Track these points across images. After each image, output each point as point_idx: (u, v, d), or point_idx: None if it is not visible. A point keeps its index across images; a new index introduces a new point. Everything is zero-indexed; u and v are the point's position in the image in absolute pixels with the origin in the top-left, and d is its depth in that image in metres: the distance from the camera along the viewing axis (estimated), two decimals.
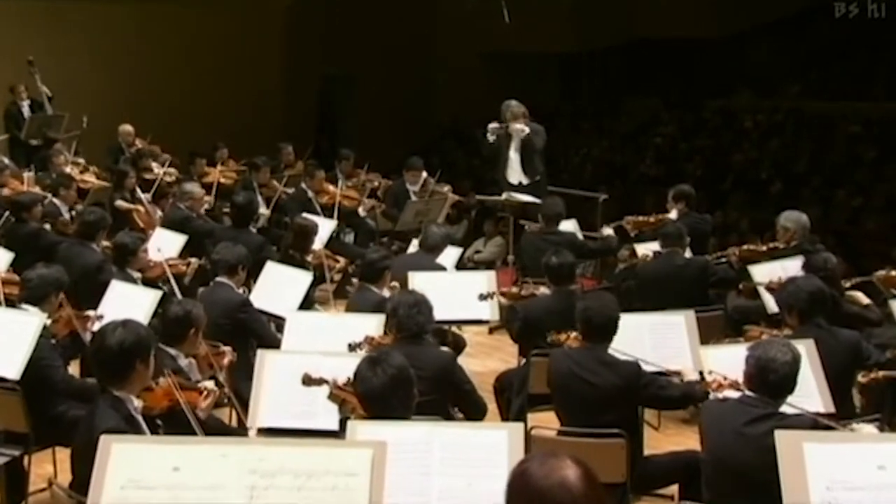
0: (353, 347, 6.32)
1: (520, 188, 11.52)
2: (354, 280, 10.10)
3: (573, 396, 5.90)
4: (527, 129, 11.47)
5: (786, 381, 4.92)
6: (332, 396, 5.09)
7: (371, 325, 6.68)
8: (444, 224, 12.92)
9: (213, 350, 6.19)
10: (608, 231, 10.22)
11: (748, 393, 5.00)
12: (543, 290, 7.70)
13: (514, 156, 11.65)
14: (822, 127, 19.51)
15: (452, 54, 22.78)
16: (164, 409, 5.02)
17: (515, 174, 11.65)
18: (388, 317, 6.24)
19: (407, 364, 4.68)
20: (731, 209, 16.13)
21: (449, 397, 6.07)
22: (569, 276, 7.54)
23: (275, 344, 7.10)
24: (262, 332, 7.52)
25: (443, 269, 8.90)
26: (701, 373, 6.01)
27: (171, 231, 9.84)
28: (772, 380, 4.89)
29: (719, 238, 12.82)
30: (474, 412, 6.19)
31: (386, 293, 7.73)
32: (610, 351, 5.91)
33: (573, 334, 6.39)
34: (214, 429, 5.51)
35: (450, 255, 9.86)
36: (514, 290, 7.94)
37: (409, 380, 4.64)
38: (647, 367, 5.93)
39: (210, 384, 5.44)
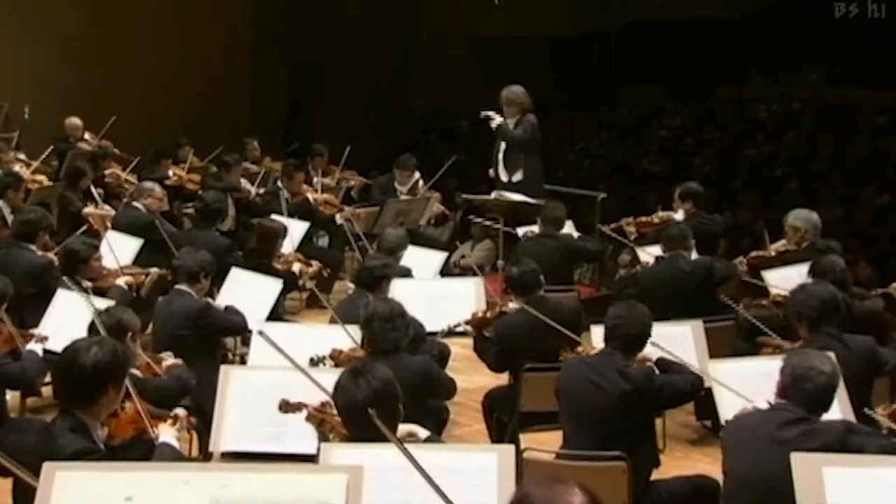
0: (315, 362, 6.31)
1: (508, 186, 11.51)
2: (349, 285, 10.07)
3: (584, 403, 5.97)
4: (497, 120, 11.55)
5: (822, 393, 4.98)
6: (309, 417, 5.08)
7: (349, 336, 6.67)
8: (428, 226, 12.93)
9: (153, 358, 6.18)
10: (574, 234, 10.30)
11: (780, 401, 5.04)
12: (512, 304, 7.63)
13: (500, 150, 11.67)
14: (843, 118, 19.54)
15: (437, 39, 22.78)
16: (127, 439, 4.95)
17: (502, 171, 11.67)
18: (360, 327, 6.28)
19: (393, 378, 4.69)
20: (743, 209, 16.16)
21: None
22: (535, 284, 7.51)
23: (244, 331, 7.37)
24: (231, 325, 7.66)
25: (408, 271, 8.89)
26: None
27: (129, 235, 9.75)
28: (808, 389, 4.94)
29: (730, 241, 12.84)
30: (447, 396, 6.69)
31: None
32: None
33: (585, 350, 6.52)
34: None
35: (434, 260, 9.86)
36: (479, 314, 7.77)
37: (394, 395, 4.65)
38: None
39: (180, 410, 5.39)
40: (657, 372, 6.08)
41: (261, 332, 5.41)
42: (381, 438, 4.47)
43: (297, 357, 6.22)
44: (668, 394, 6.03)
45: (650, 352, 6.19)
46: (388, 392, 4.62)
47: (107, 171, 12.49)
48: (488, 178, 12.02)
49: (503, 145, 11.62)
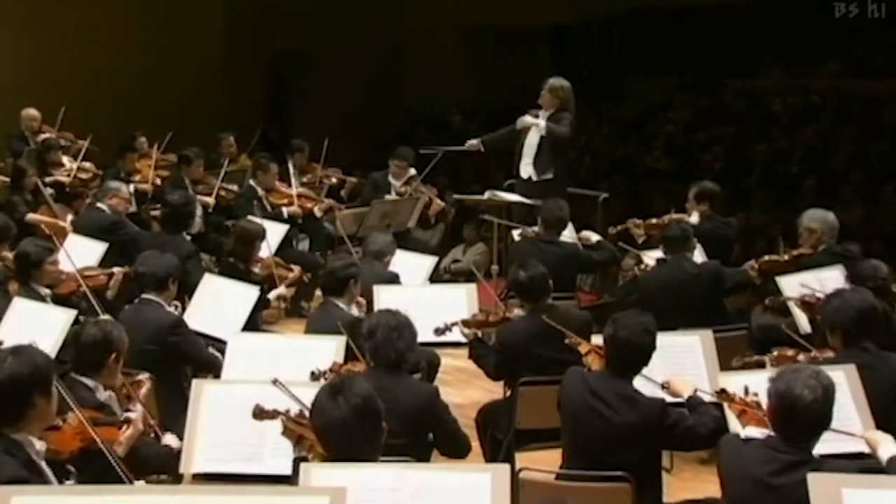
0: (316, 376, 6.30)
1: (528, 184, 11.46)
2: (317, 293, 10.09)
3: (583, 430, 5.95)
4: (541, 124, 11.40)
5: (817, 423, 4.90)
6: (286, 432, 5.08)
7: (330, 347, 6.67)
8: (417, 228, 12.94)
9: (127, 379, 6.16)
10: (594, 236, 10.22)
11: (772, 434, 4.98)
12: (518, 311, 7.65)
13: (530, 145, 11.63)
14: (865, 111, 19.54)
15: (426, 27, 22.76)
16: (76, 452, 4.97)
17: (527, 168, 11.61)
18: (363, 339, 6.22)
19: (373, 393, 4.65)
20: (757, 210, 16.15)
21: (427, 436, 6.13)
22: (543, 290, 7.52)
23: (215, 371, 7.11)
24: (199, 357, 7.54)
25: (395, 277, 8.89)
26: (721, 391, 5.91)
27: (91, 238, 9.72)
28: (799, 421, 4.85)
29: (744, 245, 12.84)
30: (456, 451, 6.24)
31: (354, 310, 7.74)
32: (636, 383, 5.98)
33: (591, 351, 6.44)
34: (143, 459, 5.48)
35: (423, 265, 9.86)
36: (480, 316, 7.82)
37: (375, 411, 4.61)
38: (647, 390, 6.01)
39: (133, 414, 5.40)
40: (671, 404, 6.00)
41: (275, 381, 5.37)
42: (362, 459, 4.47)
43: (275, 370, 6.23)
44: (680, 433, 5.87)
45: (681, 387, 6.13)
46: (368, 409, 4.57)
47: (52, 175, 12.39)
48: (482, 174, 11.98)
49: (535, 140, 11.55)
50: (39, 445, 4.65)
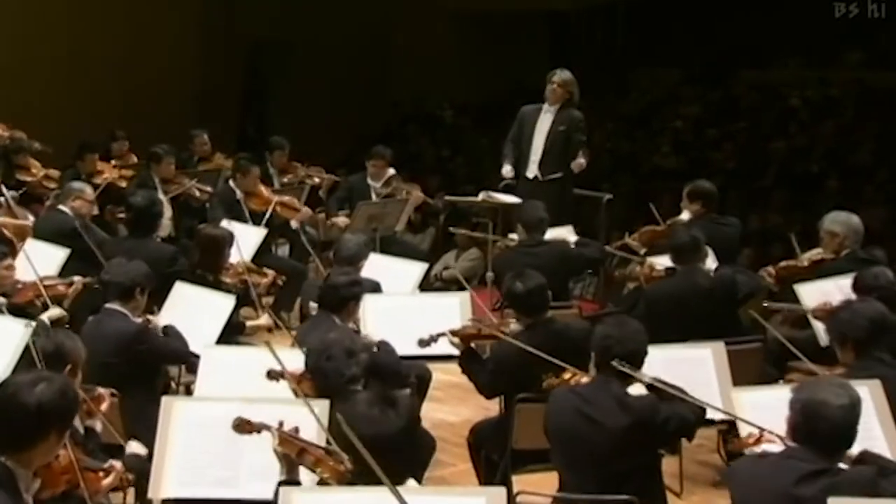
0: (273, 376, 6.21)
1: (532, 185, 11.44)
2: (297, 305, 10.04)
3: (578, 443, 5.96)
4: (584, 163, 11.48)
5: (842, 432, 4.88)
6: (283, 443, 4.99)
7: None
8: (406, 232, 12.92)
9: (87, 393, 6.13)
10: (571, 237, 10.31)
11: (792, 444, 4.98)
12: (514, 325, 7.58)
13: (538, 141, 11.62)
14: (890, 104, 19.57)
15: (416, 16, 22.78)
16: (57, 494, 4.96)
17: (535, 166, 11.63)
18: (308, 373, 6.14)
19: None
20: (773, 211, 16.15)
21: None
22: (542, 304, 7.48)
23: (188, 360, 7.28)
24: (167, 352, 7.63)
25: (376, 285, 8.84)
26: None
27: (52, 243, 9.68)
28: (823, 429, 4.84)
29: (758, 248, 12.83)
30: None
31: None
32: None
33: (574, 375, 6.41)
34: None
35: (413, 271, 9.83)
36: (471, 327, 7.78)
37: (418, 430, 4.63)
38: None
39: (117, 463, 5.39)
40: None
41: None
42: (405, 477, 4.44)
43: (250, 385, 6.20)
44: (674, 426, 5.97)
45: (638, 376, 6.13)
46: (414, 426, 4.67)
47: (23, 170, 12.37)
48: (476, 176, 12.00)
49: (542, 138, 11.54)
50: (35, 485, 4.64)
